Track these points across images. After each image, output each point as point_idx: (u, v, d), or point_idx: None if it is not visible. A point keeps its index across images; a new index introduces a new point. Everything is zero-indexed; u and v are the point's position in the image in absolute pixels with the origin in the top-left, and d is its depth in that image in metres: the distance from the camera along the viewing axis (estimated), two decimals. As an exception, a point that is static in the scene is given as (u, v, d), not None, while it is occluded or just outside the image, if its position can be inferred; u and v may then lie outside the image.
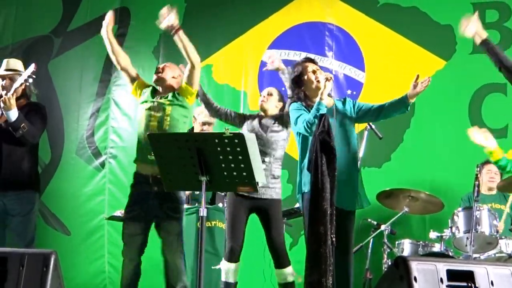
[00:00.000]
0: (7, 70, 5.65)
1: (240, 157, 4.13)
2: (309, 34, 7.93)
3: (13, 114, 5.32)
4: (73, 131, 8.63)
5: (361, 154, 5.88)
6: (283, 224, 5.69)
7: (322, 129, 4.67)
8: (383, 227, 6.47)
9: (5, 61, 5.74)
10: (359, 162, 5.27)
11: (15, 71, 5.62)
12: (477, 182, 5.82)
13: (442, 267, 3.44)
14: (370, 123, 5.82)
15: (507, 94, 6.85)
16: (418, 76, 4.89)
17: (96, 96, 8.54)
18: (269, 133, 5.63)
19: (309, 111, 4.86)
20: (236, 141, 4.10)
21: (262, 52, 7.92)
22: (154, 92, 5.40)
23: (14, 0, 9.05)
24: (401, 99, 5.01)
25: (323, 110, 4.72)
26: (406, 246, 6.38)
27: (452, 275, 3.45)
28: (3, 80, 5.54)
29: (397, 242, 6.47)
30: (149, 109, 5.28)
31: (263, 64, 5.77)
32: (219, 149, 4.15)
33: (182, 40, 5.22)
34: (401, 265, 3.37)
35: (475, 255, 5.92)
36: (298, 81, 5.10)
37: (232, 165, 4.17)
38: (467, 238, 5.96)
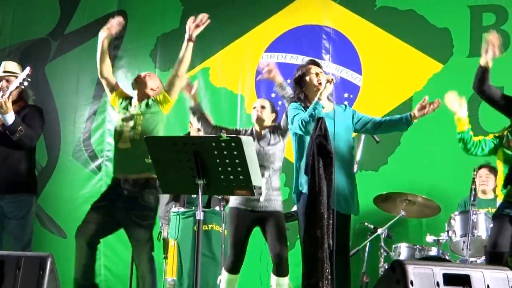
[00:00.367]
0: (4, 72, 5.65)
1: (237, 161, 4.13)
2: (306, 37, 7.93)
3: (10, 118, 5.31)
4: (70, 133, 8.63)
5: (358, 157, 5.89)
6: (286, 236, 5.67)
7: (319, 132, 4.68)
8: (379, 230, 6.48)
9: (2, 63, 5.74)
10: (355, 166, 5.28)
11: (11, 73, 5.62)
12: (473, 186, 5.82)
13: (438, 271, 3.44)
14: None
15: (504, 97, 6.86)
16: (426, 98, 4.92)
17: (93, 99, 8.54)
18: (267, 147, 5.58)
19: None
20: (233, 144, 4.10)
21: (260, 55, 7.94)
22: (130, 102, 5.49)
23: (11, 3, 9.04)
24: (405, 118, 5.04)
25: (319, 111, 4.74)
26: (402, 250, 6.38)
27: (449, 279, 3.45)
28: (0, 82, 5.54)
29: (393, 246, 6.47)
30: (123, 119, 5.40)
31: (258, 71, 5.75)
32: (216, 152, 4.14)
33: (188, 49, 5.35)
34: (397, 269, 3.38)
35: (471, 259, 5.92)
36: (300, 82, 5.14)
37: (229, 169, 4.16)
38: (464, 242, 5.97)
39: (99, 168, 8.39)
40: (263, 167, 5.48)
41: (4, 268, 3.47)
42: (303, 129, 4.85)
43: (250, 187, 4.20)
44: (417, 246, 6.40)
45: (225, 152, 4.13)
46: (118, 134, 5.38)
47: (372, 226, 6.58)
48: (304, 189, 4.84)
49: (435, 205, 6.45)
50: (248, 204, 5.55)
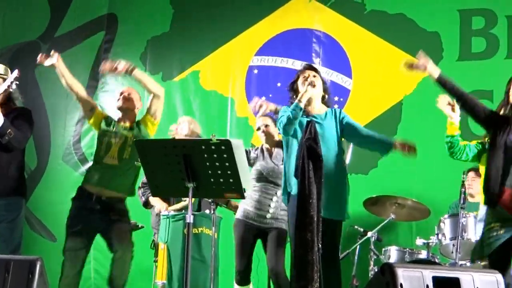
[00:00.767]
0: (-6, 74, 5.62)
1: (227, 164, 4.12)
2: (296, 40, 7.94)
3: (-1, 120, 5.28)
4: (60, 137, 8.61)
5: (347, 161, 5.89)
6: (284, 252, 5.72)
7: (308, 135, 4.70)
8: (369, 234, 6.48)
9: (-8, 66, 5.72)
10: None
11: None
12: (463, 189, 5.83)
13: (428, 274, 3.45)
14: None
15: (493, 100, 6.86)
16: (406, 145, 4.99)
17: (83, 102, 8.51)
18: (281, 165, 5.46)
19: None
20: (223, 147, 4.09)
21: (250, 59, 7.96)
22: (110, 120, 5.57)
23: (1, 6, 9.02)
24: (388, 144, 5.07)
25: (297, 112, 4.78)
26: (392, 253, 6.38)
27: (438, 282, 3.46)
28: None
29: (383, 249, 6.47)
30: (109, 136, 5.46)
31: (254, 112, 5.81)
32: (206, 155, 4.13)
33: (139, 76, 5.43)
34: (387, 272, 3.39)
35: (461, 262, 5.93)
36: (293, 87, 5.16)
37: (219, 172, 4.16)
38: (453, 245, 5.97)
39: (89, 171, 8.36)
40: (277, 185, 5.60)
41: (-7, 271, 3.46)
42: (281, 130, 4.94)
43: (240, 190, 4.20)
44: (407, 249, 6.40)
45: (215, 155, 4.12)
46: (106, 147, 5.45)
47: (362, 229, 6.57)
48: (293, 190, 4.84)
49: (425, 208, 6.46)
50: (254, 219, 5.71)
